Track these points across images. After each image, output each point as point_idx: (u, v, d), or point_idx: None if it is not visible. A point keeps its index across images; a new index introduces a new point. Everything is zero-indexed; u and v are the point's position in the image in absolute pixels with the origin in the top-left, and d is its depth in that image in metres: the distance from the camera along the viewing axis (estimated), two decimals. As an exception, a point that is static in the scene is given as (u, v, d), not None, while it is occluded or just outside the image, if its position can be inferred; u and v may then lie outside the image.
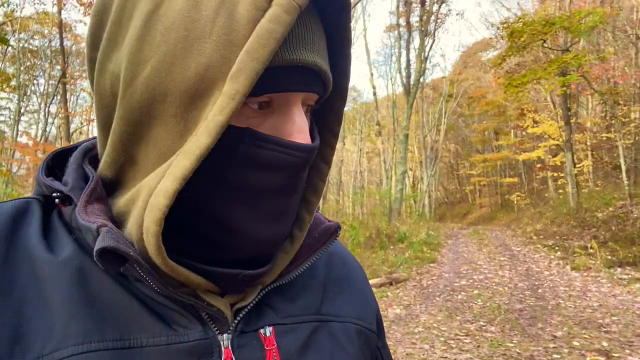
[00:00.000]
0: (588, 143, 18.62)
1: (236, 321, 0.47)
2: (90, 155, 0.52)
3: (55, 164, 0.52)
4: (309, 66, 0.44)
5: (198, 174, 0.41)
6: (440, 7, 20.46)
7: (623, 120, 15.46)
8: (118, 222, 0.45)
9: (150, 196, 0.40)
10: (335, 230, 0.55)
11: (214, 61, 0.39)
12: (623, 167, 12.77)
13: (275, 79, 0.42)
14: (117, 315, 0.42)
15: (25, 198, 0.49)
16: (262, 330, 0.48)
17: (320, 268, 0.60)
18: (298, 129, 0.45)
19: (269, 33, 0.38)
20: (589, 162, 18.14)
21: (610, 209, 12.27)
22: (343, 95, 0.52)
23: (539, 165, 23.02)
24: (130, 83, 0.42)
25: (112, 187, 0.48)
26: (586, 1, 16.68)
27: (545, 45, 13.79)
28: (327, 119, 0.53)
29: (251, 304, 0.48)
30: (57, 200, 0.47)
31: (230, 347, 0.46)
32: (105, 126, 0.47)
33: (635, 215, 10.80)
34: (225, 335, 0.46)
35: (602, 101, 16.28)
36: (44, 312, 0.41)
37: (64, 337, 0.40)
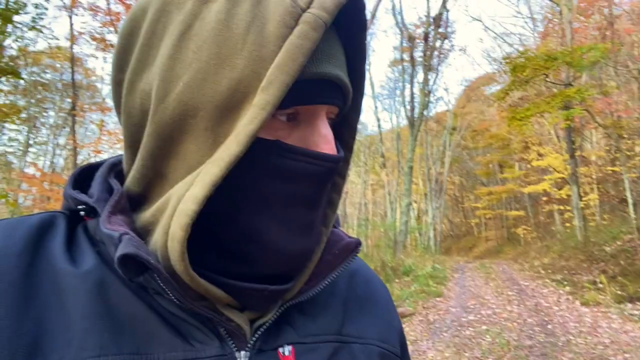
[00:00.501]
0: (594, 176, 18.56)
1: (254, 338, 0.47)
2: (116, 170, 0.54)
3: (82, 178, 0.54)
4: (333, 80, 0.46)
5: (229, 186, 0.42)
6: (443, 43, 20.90)
7: (628, 153, 15.47)
8: (142, 234, 0.46)
9: (178, 203, 0.41)
10: (356, 247, 0.54)
11: (245, 76, 0.41)
12: (630, 201, 12.68)
13: (302, 92, 0.44)
14: (134, 328, 0.43)
15: (51, 212, 0.51)
16: (280, 350, 0.48)
17: (342, 286, 0.59)
18: (324, 139, 0.47)
19: (297, 48, 0.41)
20: (595, 195, 18.03)
21: (618, 242, 12.11)
22: (358, 110, 0.54)
23: (544, 199, 22.90)
24: (162, 99, 0.43)
25: (138, 201, 0.49)
26: (587, 37, 16.98)
27: (547, 79, 13.97)
28: (342, 133, 0.55)
29: (270, 321, 0.48)
30: (82, 212, 0.49)
31: None
32: (133, 143, 0.48)
33: (644, 249, 10.64)
34: (242, 353, 0.46)
35: (606, 135, 16.35)
36: (63, 323, 0.41)
37: (81, 349, 0.40)
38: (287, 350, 0.48)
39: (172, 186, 0.45)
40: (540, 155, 20.18)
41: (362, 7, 0.49)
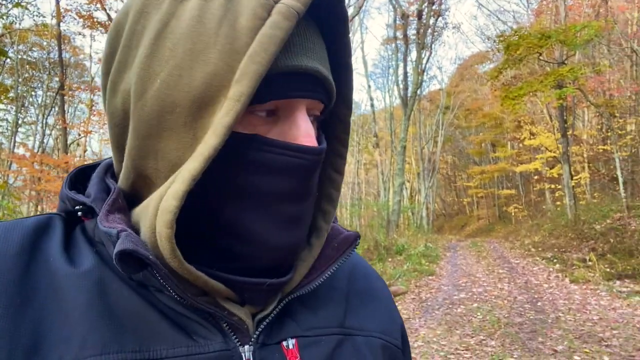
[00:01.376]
0: (585, 155, 18.71)
1: (258, 332, 0.47)
2: (112, 170, 0.54)
3: (78, 179, 0.55)
4: (310, 72, 0.46)
5: (212, 182, 0.43)
6: (436, 20, 20.66)
7: (619, 132, 15.57)
8: (136, 231, 0.46)
9: (160, 201, 0.42)
10: (355, 240, 0.55)
11: (219, 69, 0.41)
12: (620, 179, 12.81)
13: (279, 86, 0.45)
14: (136, 326, 0.43)
15: (48, 214, 0.51)
16: (284, 343, 0.48)
17: (342, 280, 0.59)
18: (304, 132, 0.46)
19: (269, 38, 0.41)
20: (586, 174, 18.21)
21: (608, 221, 12.28)
22: (348, 104, 0.54)
23: (536, 177, 23.10)
24: (140, 97, 0.44)
25: (130, 201, 0.49)
26: (581, 15, 16.88)
27: (541, 58, 13.91)
28: (335, 129, 0.55)
29: (273, 314, 0.49)
30: (79, 213, 0.50)
31: (252, 359, 0.46)
32: (119, 144, 0.49)
33: (633, 227, 10.80)
34: (246, 347, 0.46)
35: (598, 113, 16.42)
36: (62, 323, 0.41)
37: (82, 347, 0.40)
38: (290, 343, 0.48)
39: (158, 185, 0.45)
40: (532, 134, 20.30)
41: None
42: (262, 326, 0.48)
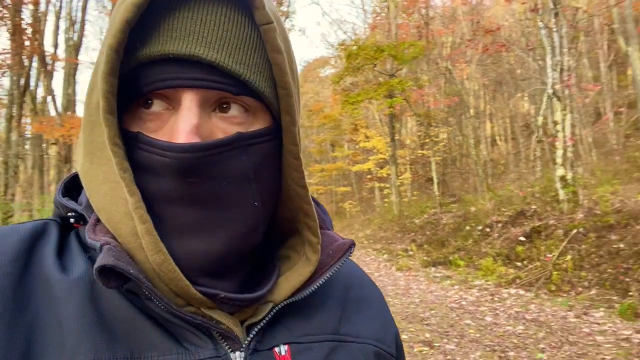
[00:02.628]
0: (408, 158, 21.23)
1: (249, 339, 0.47)
2: None
3: (72, 186, 0.53)
4: (184, 57, 0.41)
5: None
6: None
7: (434, 139, 18.04)
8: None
9: (126, 205, 0.43)
10: (350, 247, 0.53)
11: (102, 55, 0.42)
12: (435, 180, 14.91)
13: (153, 76, 0.42)
14: (127, 332, 0.43)
15: (43, 220, 0.50)
16: (276, 349, 0.48)
17: (338, 288, 0.58)
18: (179, 127, 0.42)
19: (124, 5, 0.41)
20: (408, 174, 20.67)
21: (425, 216, 14.19)
22: (288, 110, 0.48)
23: (368, 176, 25.38)
24: (89, 94, 0.46)
25: None
26: (408, 34, 19.09)
27: (376, 69, 15.39)
28: (284, 139, 0.49)
29: (264, 321, 0.48)
30: (72, 220, 0.49)
31: None
32: None
33: (444, 221, 12.68)
34: (237, 353, 0.45)
35: (419, 122, 18.79)
36: (56, 329, 0.41)
37: (75, 354, 0.40)
38: (283, 349, 0.48)
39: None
40: (367, 137, 22.22)
41: None
42: (253, 333, 0.47)
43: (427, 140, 17.51)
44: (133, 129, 0.44)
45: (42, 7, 14.52)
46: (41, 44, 13.89)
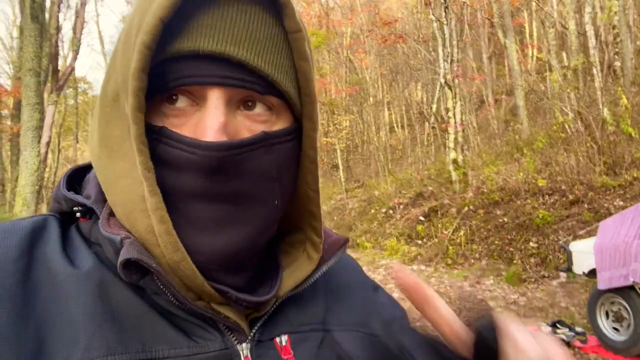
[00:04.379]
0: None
1: (253, 331, 0.48)
2: None
3: (74, 179, 0.53)
4: (214, 55, 0.41)
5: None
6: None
7: (338, 127, 18.57)
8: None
9: (144, 203, 0.43)
10: (344, 243, 0.55)
11: (130, 56, 0.42)
12: (340, 166, 15.38)
13: (181, 72, 0.42)
14: (138, 327, 0.43)
15: (42, 215, 0.49)
16: (277, 339, 0.49)
17: (321, 278, 0.57)
18: (208, 124, 0.42)
19: (158, 4, 0.40)
20: (313, 162, 21.08)
21: (332, 202, 14.62)
22: (310, 117, 0.49)
23: (274, 165, 25.43)
24: (104, 87, 0.46)
25: None
26: (310, 24, 19.31)
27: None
28: (302, 143, 0.50)
29: (266, 315, 0.49)
30: (78, 214, 0.49)
31: (250, 356, 0.47)
32: None
33: (350, 206, 13.17)
34: (244, 345, 0.47)
35: (322, 110, 19.17)
36: (67, 324, 0.41)
37: (88, 349, 0.40)
38: (283, 339, 0.49)
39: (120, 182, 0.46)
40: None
41: None
42: (257, 325, 0.48)
43: (331, 128, 17.97)
44: (156, 123, 0.43)
45: None
46: None
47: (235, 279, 0.47)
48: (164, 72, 0.42)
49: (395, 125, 21.83)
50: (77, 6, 10.06)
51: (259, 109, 0.46)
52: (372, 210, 11.41)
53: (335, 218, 12.92)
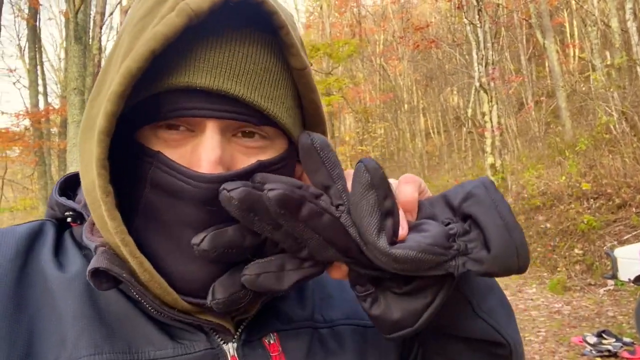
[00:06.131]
0: (347, 154, 21.59)
1: (239, 331, 0.48)
2: None
3: (68, 186, 0.54)
4: (210, 91, 0.41)
5: (129, 200, 0.44)
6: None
7: (372, 135, 18.50)
8: None
9: (103, 222, 0.43)
10: None
11: (116, 68, 0.42)
12: (375, 175, 15.26)
13: (177, 104, 0.42)
14: (124, 327, 0.44)
15: (39, 220, 0.51)
16: (266, 339, 0.49)
17: None
18: (204, 157, 0.42)
19: (152, 34, 0.39)
20: (349, 171, 21.01)
21: (368, 210, 14.48)
22: (320, 126, 0.51)
23: (310, 175, 25.54)
24: (90, 104, 0.46)
25: None
26: (342, 33, 19.40)
27: (312, 67, 15.52)
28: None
29: (251, 316, 0.49)
30: (69, 219, 0.50)
31: (236, 356, 0.47)
32: None
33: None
34: (230, 345, 0.47)
35: (357, 119, 19.17)
36: (56, 325, 0.42)
37: (76, 348, 0.41)
38: (272, 338, 0.49)
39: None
40: (306, 135, 22.34)
41: (270, 11, 0.43)
42: (242, 325, 0.48)
43: (365, 136, 17.92)
44: (150, 146, 0.43)
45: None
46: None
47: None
48: (159, 103, 0.42)
49: (431, 131, 21.53)
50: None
51: (254, 137, 0.46)
52: (409, 218, 11.23)
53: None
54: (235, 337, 0.48)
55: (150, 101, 0.42)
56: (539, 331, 4.72)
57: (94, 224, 0.47)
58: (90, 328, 0.42)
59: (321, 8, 18.48)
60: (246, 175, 0.43)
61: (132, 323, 0.45)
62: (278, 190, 0.38)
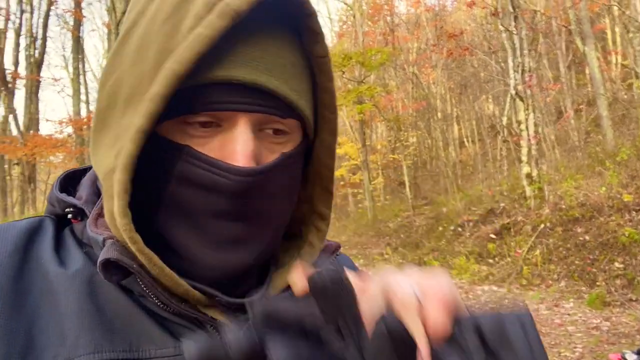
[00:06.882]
0: (379, 163, 21.46)
1: None
2: None
3: (68, 183, 0.54)
4: (246, 84, 0.42)
5: (147, 191, 0.44)
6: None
7: (405, 144, 18.32)
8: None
9: (112, 216, 0.43)
10: (335, 249, 0.56)
11: (150, 67, 0.41)
12: (407, 183, 15.10)
13: (210, 98, 0.42)
14: (125, 326, 0.44)
15: (38, 217, 0.51)
16: None
17: None
18: (239, 150, 0.43)
19: (196, 37, 0.39)
20: (381, 179, 20.89)
21: (399, 219, 14.35)
22: (332, 130, 0.52)
23: (341, 183, 25.53)
24: (100, 91, 0.45)
25: None
26: (375, 41, 19.38)
27: (344, 76, 15.55)
28: (319, 154, 0.53)
29: None
30: (69, 215, 0.50)
31: None
32: None
33: (417, 223, 12.84)
34: None
35: (388, 127, 19.05)
36: (56, 322, 0.42)
37: (75, 346, 0.41)
38: None
39: (102, 186, 0.46)
40: (338, 144, 22.34)
41: (309, 12, 0.45)
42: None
43: (397, 145, 17.77)
44: (177, 140, 0.44)
45: (0, 25, 14.16)
46: (1, 62, 13.51)
47: (228, 286, 0.47)
48: (192, 96, 0.42)
49: (465, 140, 21.14)
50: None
51: (277, 133, 0.47)
52: (440, 228, 11.05)
53: (402, 235, 12.66)
54: None
55: (179, 95, 0.41)
56: (575, 347, 4.53)
57: (97, 217, 0.46)
58: (91, 326, 0.42)
59: (354, 17, 18.53)
60: (274, 168, 0.45)
61: (134, 320, 0.44)
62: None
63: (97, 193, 0.50)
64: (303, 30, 0.47)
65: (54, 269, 0.45)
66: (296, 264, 0.50)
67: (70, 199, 0.50)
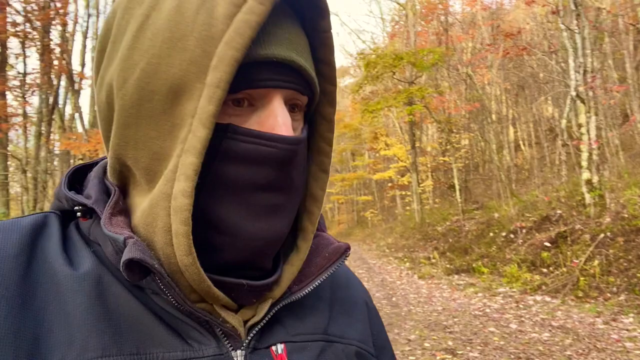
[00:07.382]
0: (429, 165, 21.05)
1: (249, 338, 0.48)
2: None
3: (75, 179, 0.54)
4: (284, 62, 0.45)
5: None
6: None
7: (456, 146, 17.85)
8: (136, 234, 0.46)
9: (169, 201, 0.42)
10: (345, 250, 0.56)
11: (196, 56, 0.42)
12: (457, 187, 14.72)
13: (250, 76, 0.44)
14: (134, 329, 0.44)
15: (43, 212, 0.50)
16: (273, 348, 0.49)
17: (326, 288, 0.60)
18: (281, 121, 0.46)
19: (244, 23, 0.41)
20: (430, 182, 20.49)
21: (447, 223, 14.00)
22: (332, 102, 0.54)
23: (389, 185, 25.24)
24: (121, 87, 0.45)
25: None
26: (427, 41, 19.02)
27: (395, 77, 15.37)
28: (319, 128, 0.55)
29: (264, 321, 0.49)
30: (79, 214, 0.49)
31: None
32: (107, 138, 0.50)
33: (467, 228, 12.48)
34: (238, 352, 0.47)
35: (439, 129, 18.63)
36: (64, 324, 0.42)
37: (83, 349, 0.41)
38: (279, 348, 0.49)
39: (137, 176, 0.46)
40: (387, 145, 22.16)
41: None
42: (253, 332, 0.48)
43: (448, 147, 17.33)
44: (218, 121, 0.44)
45: (69, 28, 15.09)
46: (69, 63, 14.35)
47: (252, 272, 0.48)
48: (238, 73, 0.43)
49: (521, 143, 20.33)
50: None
51: (297, 108, 0.51)
52: (491, 234, 10.67)
53: (450, 240, 12.34)
54: (245, 343, 0.48)
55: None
56: (634, 366, 4.24)
57: (111, 216, 0.46)
58: (99, 328, 0.42)
59: (407, 17, 18.28)
60: (305, 140, 0.50)
61: (142, 323, 0.44)
62: None
63: (105, 191, 0.51)
64: (307, 6, 0.49)
65: (63, 269, 0.45)
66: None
67: (79, 198, 0.50)
